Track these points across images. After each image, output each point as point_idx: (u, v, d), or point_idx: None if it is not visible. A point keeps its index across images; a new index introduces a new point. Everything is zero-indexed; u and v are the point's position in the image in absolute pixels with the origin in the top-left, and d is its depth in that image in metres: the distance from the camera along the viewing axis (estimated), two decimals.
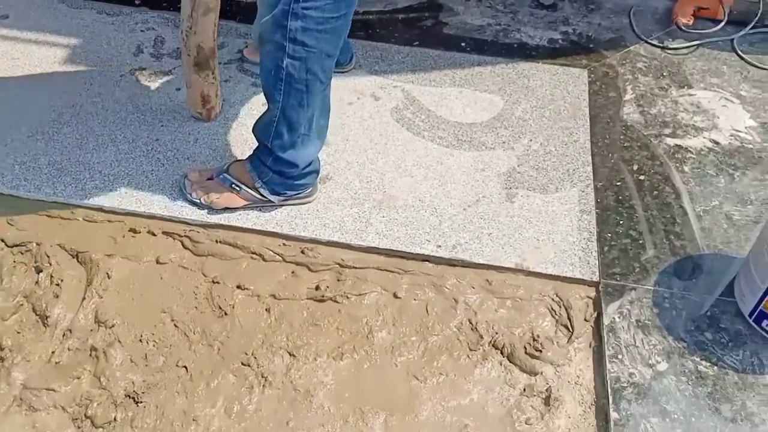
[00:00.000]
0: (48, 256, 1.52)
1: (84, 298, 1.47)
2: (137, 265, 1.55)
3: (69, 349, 1.39)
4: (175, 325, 1.45)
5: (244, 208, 1.64)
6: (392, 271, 1.56)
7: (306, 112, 1.49)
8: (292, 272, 1.56)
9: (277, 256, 1.58)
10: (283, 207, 1.66)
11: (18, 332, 1.41)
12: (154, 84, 1.96)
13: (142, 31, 2.13)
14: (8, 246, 1.55)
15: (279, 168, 1.56)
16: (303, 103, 1.47)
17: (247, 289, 1.52)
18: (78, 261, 1.54)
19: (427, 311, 1.50)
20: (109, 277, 1.51)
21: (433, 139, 1.86)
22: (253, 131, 1.59)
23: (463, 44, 2.18)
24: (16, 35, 2.09)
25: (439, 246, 1.60)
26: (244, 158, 1.65)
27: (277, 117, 1.49)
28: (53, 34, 2.09)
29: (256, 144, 1.60)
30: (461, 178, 1.76)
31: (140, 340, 1.42)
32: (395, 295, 1.52)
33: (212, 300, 1.50)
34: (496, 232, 1.63)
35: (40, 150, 1.74)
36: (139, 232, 1.61)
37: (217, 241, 1.60)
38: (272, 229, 1.62)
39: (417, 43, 2.17)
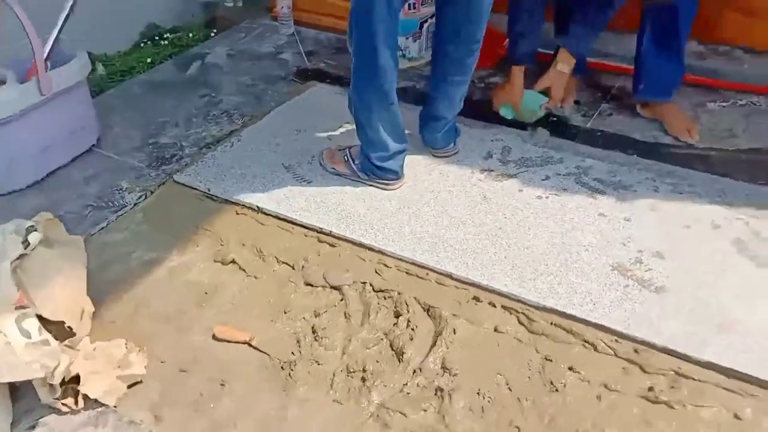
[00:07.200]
0: (406, 305, 1.76)
1: (433, 345, 1.66)
2: (477, 328, 1.71)
3: (418, 385, 1.57)
4: (509, 389, 1.55)
5: (342, 175, 2.25)
6: (734, 392, 1.50)
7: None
8: (623, 368, 1.58)
9: (610, 350, 1.62)
10: (622, 307, 1.71)
11: (377, 361, 1.63)
12: (500, 183, 2.20)
13: (492, 141, 2.44)
14: (375, 290, 1.82)
15: (366, 152, 2.15)
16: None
17: (578, 372, 1.58)
18: (428, 315, 1.75)
19: None
20: (454, 333, 1.68)
21: None
22: None
23: None
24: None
25: None
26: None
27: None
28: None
29: None
30: None
31: (477, 393, 1.54)
32: (736, 416, 1.46)
33: (544, 374, 1.58)
34: None
35: (404, 220, 2.06)
36: (481, 302, 1.78)
37: (551, 323, 1.70)
38: (606, 324, 1.68)
39: (762, 182, 2.15)
